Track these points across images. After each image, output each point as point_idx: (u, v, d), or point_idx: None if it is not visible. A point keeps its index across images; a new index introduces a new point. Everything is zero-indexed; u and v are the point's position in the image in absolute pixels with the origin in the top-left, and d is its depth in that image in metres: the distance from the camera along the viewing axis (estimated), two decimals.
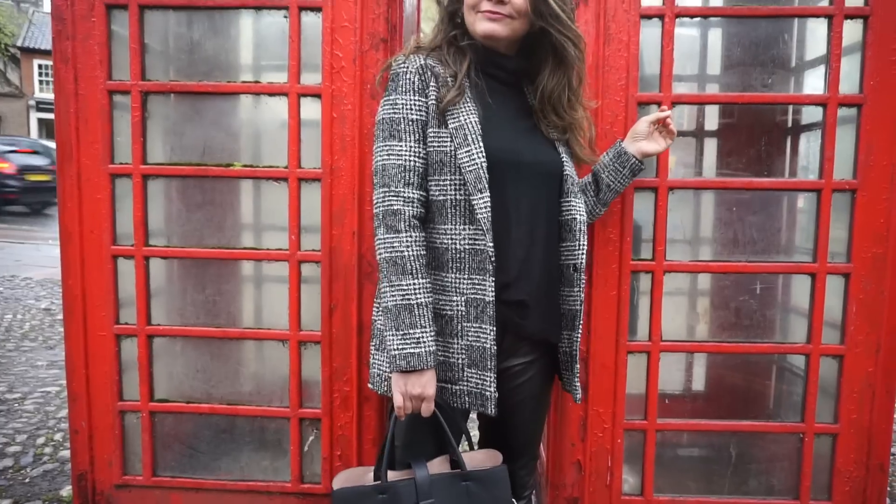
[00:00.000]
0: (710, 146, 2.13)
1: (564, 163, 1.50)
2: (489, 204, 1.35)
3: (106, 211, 1.91)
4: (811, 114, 2.05)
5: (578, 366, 1.56)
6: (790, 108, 2.11)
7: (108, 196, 1.90)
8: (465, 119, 1.38)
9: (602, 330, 1.88)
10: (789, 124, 2.12)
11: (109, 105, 1.88)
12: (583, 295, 1.51)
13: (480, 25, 1.40)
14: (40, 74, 28.89)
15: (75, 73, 1.88)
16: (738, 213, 1.86)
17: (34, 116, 29.21)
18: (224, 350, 2.02)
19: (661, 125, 1.63)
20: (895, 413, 1.93)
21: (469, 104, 1.41)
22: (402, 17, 1.91)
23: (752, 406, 2.32)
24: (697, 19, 2.03)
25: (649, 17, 1.80)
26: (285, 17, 1.83)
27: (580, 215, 1.49)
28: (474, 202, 1.35)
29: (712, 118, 2.13)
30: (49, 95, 29.30)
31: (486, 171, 1.36)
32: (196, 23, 1.88)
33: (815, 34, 2.01)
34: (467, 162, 1.36)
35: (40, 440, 3.24)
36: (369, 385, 1.53)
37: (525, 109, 1.52)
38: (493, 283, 1.37)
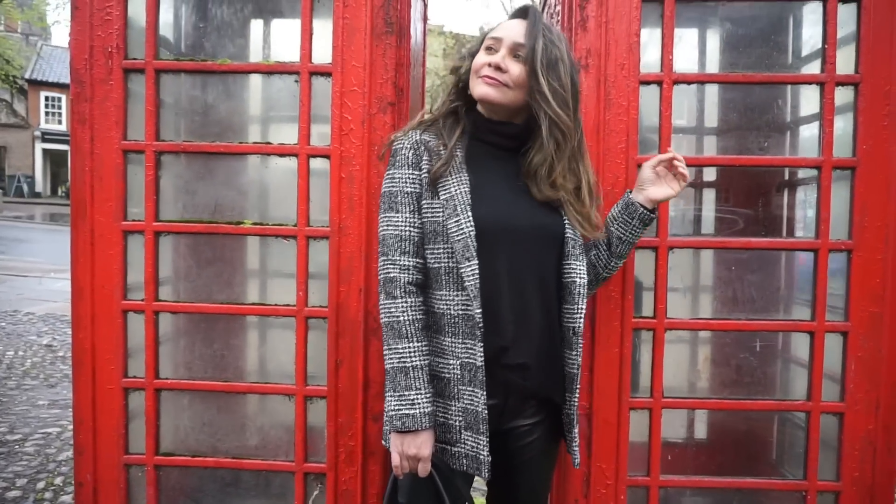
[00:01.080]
0: (709, 203, 2.18)
1: (566, 225, 1.53)
2: (477, 272, 1.40)
3: (118, 267, 1.95)
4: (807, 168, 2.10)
5: (577, 429, 1.58)
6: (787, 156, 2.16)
7: (120, 252, 1.95)
8: (456, 189, 1.45)
9: (605, 386, 1.91)
10: (786, 177, 2.17)
11: (124, 164, 1.94)
12: (580, 358, 1.54)
13: (478, 88, 1.49)
14: (47, 106, 29.30)
15: (92, 133, 1.94)
16: (737, 272, 1.90)
17: (39, 147, 29.55)
18: (231, 404, 2.04)
19: (670, 168, 1.63)
20: None
21: (461, 174, 1.46)
22: (409, 80, 1.98)
23: (755, 456, 2.33)
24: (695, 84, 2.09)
25: (648, 83, 1.87)
26: (296, 81, 1.89)
27: (580, 278, 1.51)
28: (462, 270, 1.41)
29: (710, 175, 2.18)
30: (55, 126, 29.69)
31: (473, 240, 1.41)
32: (210, 86, 1.95)
33: (809, 95, 2.08)
34: (455, 231, 1.42)
35: (40, 484, 3.23)
36: (382, 442, 1.56)
37: (520, 172, 1.56)
38: (482, 349, 1.41)
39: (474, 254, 1.40)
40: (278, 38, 2.30)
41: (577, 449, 1.58)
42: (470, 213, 1.42)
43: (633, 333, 1.89)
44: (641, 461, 1.93)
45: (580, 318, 1.51)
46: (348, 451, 1.94)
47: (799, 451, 2.02)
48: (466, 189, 1.45)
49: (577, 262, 1.53)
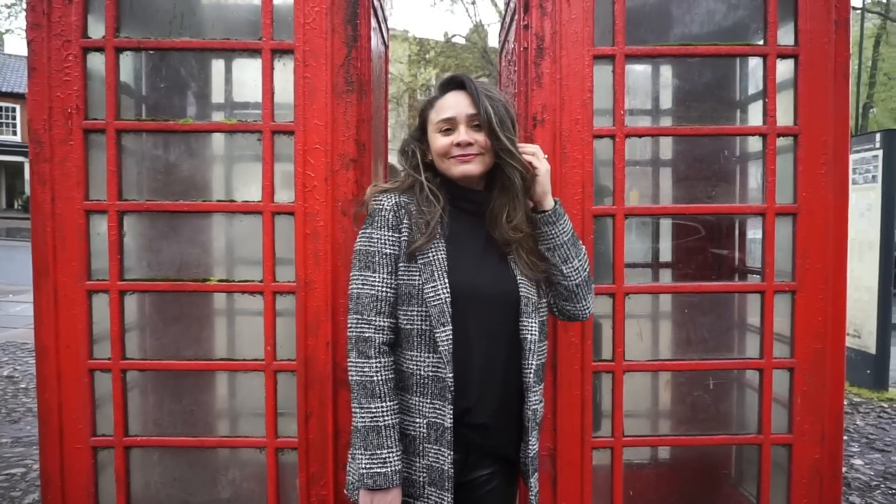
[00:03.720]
0: (665, 245, 2.27)
1: (521, 286, 1.57)
2: (451, 337, 1.46)
3: (82, 326, 1.94)
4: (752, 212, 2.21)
5: (535, 477, 1.63)
6: (735, 204, 2.27)
7: (84, 311, 1.94)
8: (434, 256, 1.49)
9: (568, 428, 1.98)
10: (736, 225, 2.28)
11: (86, 224, 1.93)
12: (530, 411, 1.56)
13: (456, 169, 1.53)
14: (0, 117, 28.34)
15: (53, 193, 1.93)
16: (690, 315, 1.99)
17: None
18: (202, 458, 2.05)
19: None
20: (841, 498, 2.06)
21: (438, 242, 1.51)
22: (371, 136, 2.02)
23: (715, 479, 2.44)
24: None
25: (601, 136, 1.95)
26: (259, 140, 1.92)
27: (531, 334, 1.55)
28: (437, 334, 1.46)
29: (666, 223, 2.27)
30: (9, 137, 28.76)
31: (449, 306, 1.46)
32: (172, 145, 1.96)
33: (754, 142, 2.19)
34: (432, 297, 1.47)
35: None
36: (345, 491, 1.59)
37: (492, 239, 1.60)
38: (451, 410, 1.47)
39: (449, 319, 1.46)
40: (241, 88, 2.33)
41: (534, 498, 1.63)
42: (447, 280, 1.48)
43: (593, 377, 1.96)
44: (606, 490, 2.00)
45: (530, 372, 1.56)
46: (321, 500, 1.97)
47: (755, 471, 2.12)
48: (444, 256, 1.50)
49: (530, 320, 1.56)
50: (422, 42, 19.70)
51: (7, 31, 18.18)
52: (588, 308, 1.63)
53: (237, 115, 2.42)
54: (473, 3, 20.98)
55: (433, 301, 1.46)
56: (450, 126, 1.52)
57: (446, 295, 1.46)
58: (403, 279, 1.50)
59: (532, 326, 1.56)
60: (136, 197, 1.96)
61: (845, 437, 4.37)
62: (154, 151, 1.99)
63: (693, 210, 2.01)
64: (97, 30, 1.94)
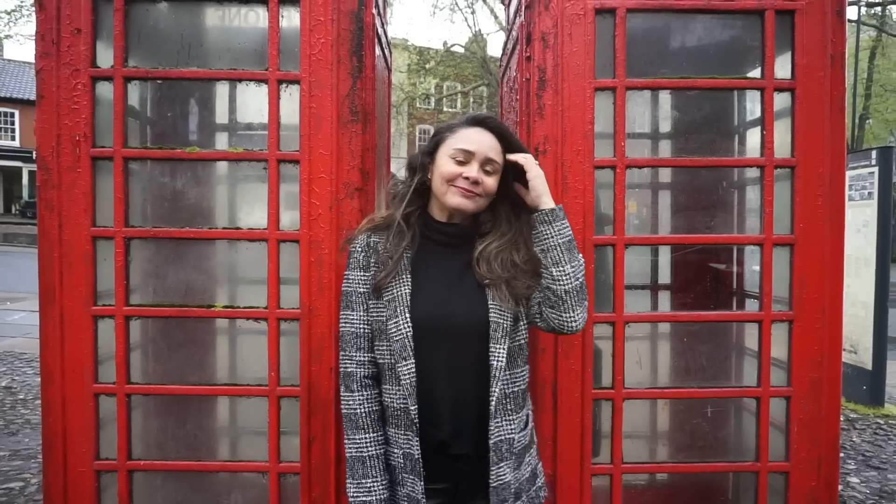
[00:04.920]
0: (664, 260, 2.30)
1: (492, 311, 1.56)
2: (413, 370, 1.50)
3: (88, 351, 1.97)
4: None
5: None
6: (734, 234, 2.30)
7: (90, 336, 1.96)
8: (397, 291, 1.53)
9: (567, 454, 2.00)
10: (734, 249, 2.31)
11: (93, 250, 1.96)
12: (494, 439, 1.53)
13: (454, 199, 1.53)
14: None
15: (60, 220, 1.96)
16: (689, 343, 2.02)
17: None
18: (205, 482, 2.06)
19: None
20: None
21: (403, 275, 1.54)
22: (375, 163, 2.05)
23: (711, 499, 2.46)
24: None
25: (602, 167, 1.98)
26: (265, 168, 1.95)
27: (497, 361, 1.54)
28: (399, 369, 1.50)
29: (665, 261, 2.30)
30: (7, 142, 28.73)
31: (411, 340, 1.50)
32: (178, 172, 1.99)
33: (753, 172, 2.22)
34: (394, 332, 1.51)
35: None
36: None
37: (465, 265, 1.60)
38: (418, 442, 1.50)
39: (411, 353, 1.50)
40: (245, 109, 2.36)
41: None
42: (408, 315, 1.51)
43: (593, 404, 1.99)
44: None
45: (494, 400, 1.54)
46: None
47: (753, 496, 2.14)
48: (408, 290, 1.53)
49: (498, 346, 1.55)
50: (421, 51, 19.79)
51: (7, 36, 18.18)
52: (574, 321, 1.53)
53: (241, 135, 2.45)
54: (473, 12, 21.10)
55: (395, 336, 1.51)
56: (465, 159, 1.54)
57: (407, 329, 1.50)
58: (374, 315, 1.56)
59: (500, 352, 1.54)
60: (140, 221, 1.98)
61: (841, 454, 4.39)
62: (161, 179, 2.01)
63: (692, 240, 2.04)
64: (105, 57, 1.97)
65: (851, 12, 15.66)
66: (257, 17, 2.18)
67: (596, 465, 2.01)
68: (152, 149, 2.00)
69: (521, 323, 1.58)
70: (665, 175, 2.29)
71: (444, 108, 28.81)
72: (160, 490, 2.07)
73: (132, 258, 1.99)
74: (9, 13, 18.38)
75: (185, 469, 2.03)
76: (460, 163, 1.54)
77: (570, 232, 1.55)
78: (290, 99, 1.99)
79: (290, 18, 2.01)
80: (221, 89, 2.38)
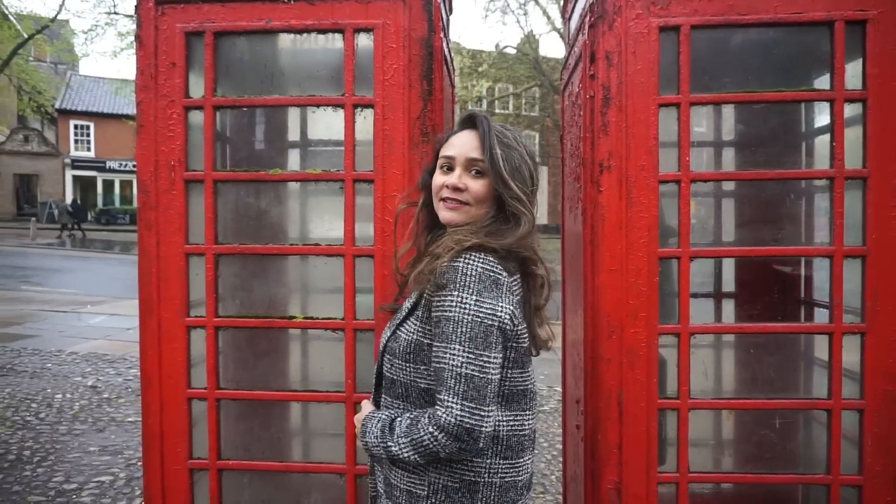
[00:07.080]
0: (728, 281, 2.31)
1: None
2: None
3: (182, 358, 2.14)
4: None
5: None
6: (801, 246, 2.28)
7: (184, 346, 2.14)
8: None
9: (633, 462, 2.04)
10: (801, 262, 2.30)
11: (186, 266, 2.13)
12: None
13: (443, 214, 1.50)
14: (76, 134, 30.19)
15: (157, 238, 2.13)
16: (755, 354, 2.02)
17: (69, 174, 30.41)
18: (286, 482, 2.21)
19: None
20: None
21: None
22: None
23: None
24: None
25: (666, 181, 2.01)
26: (341, 187, 2.07)
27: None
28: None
29: (729, 267, 2.31)
30: (84, 153, 30.51)
31: None
32: (263, 193, 2.13)
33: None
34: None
35: None
36: None
37: None
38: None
39: None
40: (315, 125, 2.51)
41: None
42: None
43: (658, 414, 2.02)
44: None
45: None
46: None
47: None
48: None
49: None
50: (474, 54, 19.90)
51: (84, 55, 19.34)
52: None
53: (312, 152, 2.60)
54: (525, 13, 21.05)
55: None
56: (448, 164, 1.47)
57: None
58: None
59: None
60: (223, 238, 2.14)
61: None
62: (247, 199, 2.17)
63: (759, 252, 2.04)
64: (196, 88, 2.14)
65: None
66: (326, 40, 2.31)
67: (662, 474, 2.04)
68: (239, 171, 2.16)
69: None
70: (729, 183, 2.29)
71: (497, 111, 28.84)
72: (247, 489, 2.23)
73: (220, 273, 2.15)
74: (86, 32, 19.54)
75: (270, 469, 2.18)
76: (446, 172, 1.48)
77: None
78: (364, 120, 2.11)
79: (363, 43, 2.13)
80: (293, 110, 2.54)
